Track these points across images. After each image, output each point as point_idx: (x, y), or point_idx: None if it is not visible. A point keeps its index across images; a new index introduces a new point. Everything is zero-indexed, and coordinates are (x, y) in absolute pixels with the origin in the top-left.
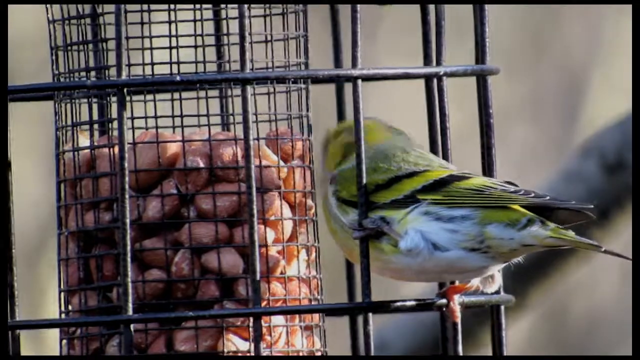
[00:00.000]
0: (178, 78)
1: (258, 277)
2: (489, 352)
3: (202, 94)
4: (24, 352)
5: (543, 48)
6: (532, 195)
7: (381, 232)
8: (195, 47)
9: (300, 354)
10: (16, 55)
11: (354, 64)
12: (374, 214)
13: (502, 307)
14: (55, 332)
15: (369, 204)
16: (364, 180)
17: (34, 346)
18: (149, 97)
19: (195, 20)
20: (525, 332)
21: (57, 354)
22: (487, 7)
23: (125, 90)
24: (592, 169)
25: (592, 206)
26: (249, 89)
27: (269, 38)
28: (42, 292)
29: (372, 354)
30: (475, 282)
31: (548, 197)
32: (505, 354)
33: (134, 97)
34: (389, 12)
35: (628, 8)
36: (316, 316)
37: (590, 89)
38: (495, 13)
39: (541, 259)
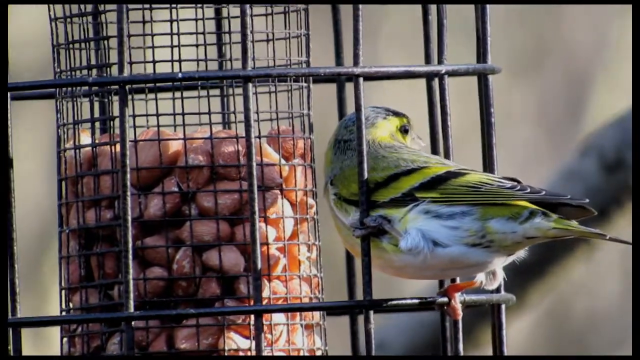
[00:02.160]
0: (180, 75)
1: (259, 274)
2: (488, 351)
3: (203, 92)
4: (25, 350)
5: (547, 49)
6: (528, 191)
7: (382, 230)
8: (197, 45)
9: (301, 353)
10: (21, 55)
11: (356, 62)
12: (374, 212)
13: (503, 306)
14: (56, 330)
15: (369, 202)
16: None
17: (35, 344)
18: (151, 96)
19: (197, 19)
20: (526, 331)
21: (58, 352)
22: (489, 6)
23: (127, 87)
24: (591, 168)
25: (587, 200)
26: (251, 86)
27: (270, 37)
28: (45, 291)
29: (373, 353)
30: (479, 278)
31: (544, 192)
32: (505, 353)
33: (136, 97)
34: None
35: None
36: (317, 315)
37: (594, 90)
38: (500, 13)
39: (542, 258)
